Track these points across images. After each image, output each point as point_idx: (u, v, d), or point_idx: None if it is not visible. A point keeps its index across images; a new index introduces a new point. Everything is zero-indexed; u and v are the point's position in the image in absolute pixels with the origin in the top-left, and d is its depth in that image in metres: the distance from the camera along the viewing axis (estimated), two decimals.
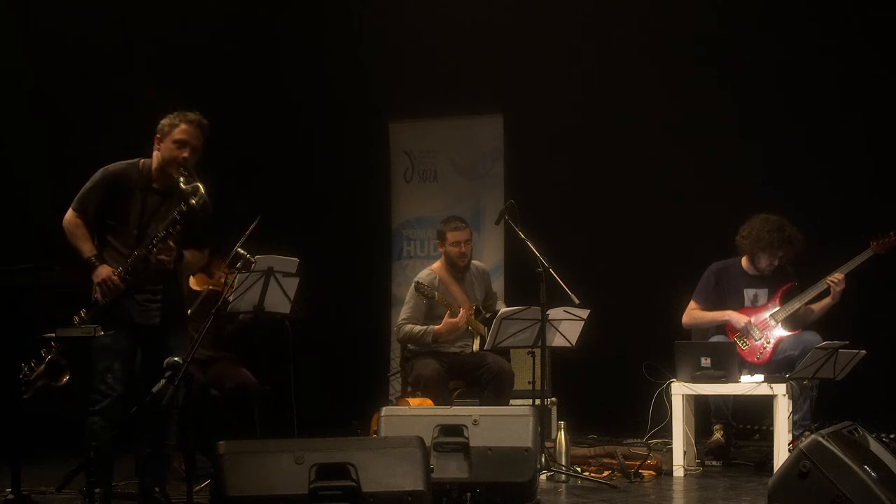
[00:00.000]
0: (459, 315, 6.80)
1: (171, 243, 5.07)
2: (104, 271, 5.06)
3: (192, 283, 6.31)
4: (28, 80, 7.99)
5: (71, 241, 5.16)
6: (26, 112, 7.83)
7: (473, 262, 7.23)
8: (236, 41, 8.87)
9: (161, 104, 5.35)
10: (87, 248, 5.13)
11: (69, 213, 5.18)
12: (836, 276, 6.80)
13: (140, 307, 5.13)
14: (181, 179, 5.05)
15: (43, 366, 5.16)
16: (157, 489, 5.15)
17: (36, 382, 5.15)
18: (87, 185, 5.19)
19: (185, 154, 5.11)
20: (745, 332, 6.85)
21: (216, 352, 6.36)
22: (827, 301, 6.88)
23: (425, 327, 6.88)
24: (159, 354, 4.91)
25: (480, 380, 6.83)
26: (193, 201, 5.00)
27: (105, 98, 8.04)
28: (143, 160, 5.22)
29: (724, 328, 6.97)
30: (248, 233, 5.82)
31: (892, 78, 8.07)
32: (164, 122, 5.18)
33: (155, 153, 5.19)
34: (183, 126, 5.14)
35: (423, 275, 7.04)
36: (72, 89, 7.93)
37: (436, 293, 6.83)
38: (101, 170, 5.22)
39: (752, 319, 6.88)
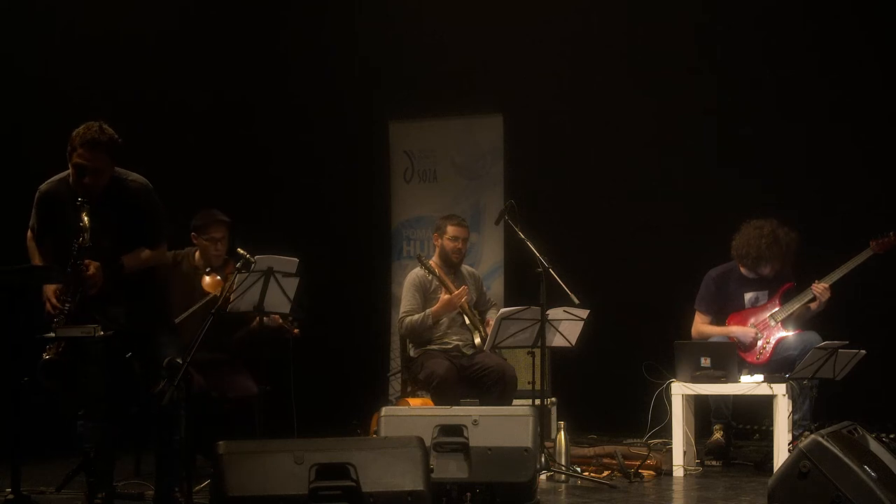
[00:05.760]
0: (455, 293, 6.84)
1: (86, 267, 4.82)
2: (47, 290, 4.97)
3: (205, 284, 6.27)
4: (35, 76, 7.98)
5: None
6: (39, 109, 7.80)
7: (465, 266, 7.28)
8: (236, 40, 8.87)
9: (158, 104, 5.33)
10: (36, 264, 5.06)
11: (28, 232, 5.15)
12: (821, 286, 6.78)
13: (105, 315, 4.98)
14: (83, 212, 4.75)
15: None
16: (176, 490, 5.10)
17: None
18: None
19: (86, 181, 4.83)
20: (754, 345, 6.84)
21: (217, 354, 6.25)
22: (816, 304, 6.88)
23: (423, 313, 6.91)
24: (146, 355, 4.90)
25: (484, 383, 6.84)
26: (83, 237, 4.75)
27: (109, 98, 8.03)
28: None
29: None
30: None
31: (891, 77, 8.08)
32: (71, 137, 4.87)
33: None
34: (78, 150, 4.82)
35: (416, 272, 7.08)
36: (76, 89, 7.92)
37: (435, 268, 6.92)
38: (38, 190, 5.07)
39: (753, 320, 6.88)
